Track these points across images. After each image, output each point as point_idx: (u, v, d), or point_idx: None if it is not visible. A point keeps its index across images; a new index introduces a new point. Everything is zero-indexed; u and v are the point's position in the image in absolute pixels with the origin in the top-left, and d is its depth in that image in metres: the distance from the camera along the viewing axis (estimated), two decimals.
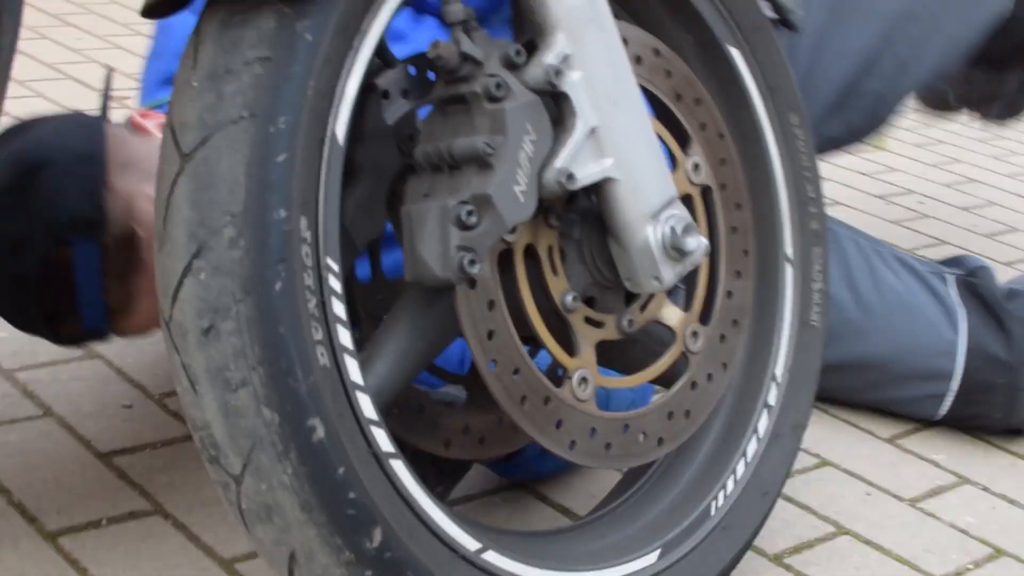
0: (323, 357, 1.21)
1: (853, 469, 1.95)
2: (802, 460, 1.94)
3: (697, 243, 1.39)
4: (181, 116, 1.21)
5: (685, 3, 1.55)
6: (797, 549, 1.73)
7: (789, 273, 1.63)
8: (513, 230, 1.33)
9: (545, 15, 1.31)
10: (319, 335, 1.21)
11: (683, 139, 1.51)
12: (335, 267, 1.24)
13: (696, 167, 1.50)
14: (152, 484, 1.66)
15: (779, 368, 1.62)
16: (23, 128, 1.62)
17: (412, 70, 1.39)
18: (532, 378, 1.35)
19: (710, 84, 1.59)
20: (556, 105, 1.33)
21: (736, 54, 1.58)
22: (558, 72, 1.30)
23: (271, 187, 1.19)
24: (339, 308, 1.24)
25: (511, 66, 1.30)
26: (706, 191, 1.52)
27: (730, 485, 1.56)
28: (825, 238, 1.66)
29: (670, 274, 1.38)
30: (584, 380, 1.39)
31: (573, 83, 1.32)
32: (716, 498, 1.55)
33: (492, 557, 1.34)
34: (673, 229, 1.38)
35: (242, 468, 1.20)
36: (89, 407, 1.79)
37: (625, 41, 1.43)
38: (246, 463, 1.19)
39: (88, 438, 1.74)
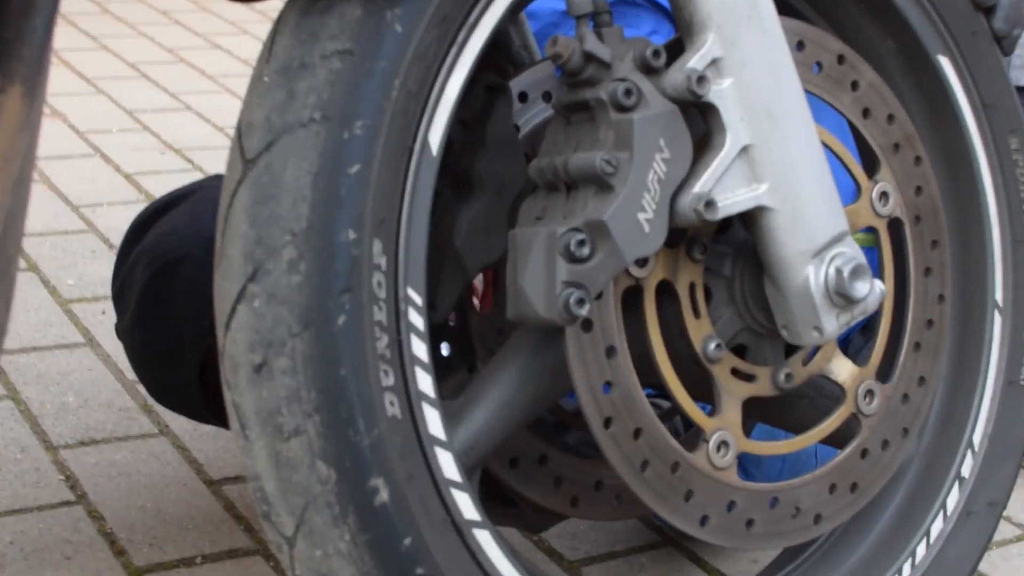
0: (393, 406, 1.03)
1: None
2: (1002, 531, 1.67)
3: (869, 289, 1.15)
4: (248, 116, 1.04)
5: (887, 2, 1.30)
6: None
7: (998, 323, 1.37)
8: (642, 264, 1.12)
9: (694, 9, 1.09)
10: (389, 380, 1.03)
11: (870, 162, 1.26)
12: (417, 299, 1.05)
13: (884, 196, 1.26)
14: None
15: (978, 434, 1.36)
16: (154, 216, 1.49)
17: (558, 71, 1.18)
18: (657, 441, 1.13)
19: (912, 98, 1.34)
20: (703, 118, 1.11)
21: (946, 63, 1.33)
22: (703, 79, 1.08)
23: (340, 203, 1.01)
24: (419, 348, 1.06)
25: (647, 69, 1.09)
26: (895, 224, 1.28)
27: (906, 570, 1.32)
28: None
29: (834, 324, 1.15)
30: (724, 444, 1.17)
31: (722, 92, 1.10)
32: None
33: None
34: (839, 271, 1.14)
35: (295, 529, 1.02)
36: (208, 428, 1.64)
37: (801, 44, 1.20)
38: (299, 524, 1.02)
39: (200, 462, 1.60)
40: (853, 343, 1.65)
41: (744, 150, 1.11)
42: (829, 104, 1.24)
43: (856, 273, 1.15)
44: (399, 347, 1.04)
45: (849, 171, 1.25)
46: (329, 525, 1.02)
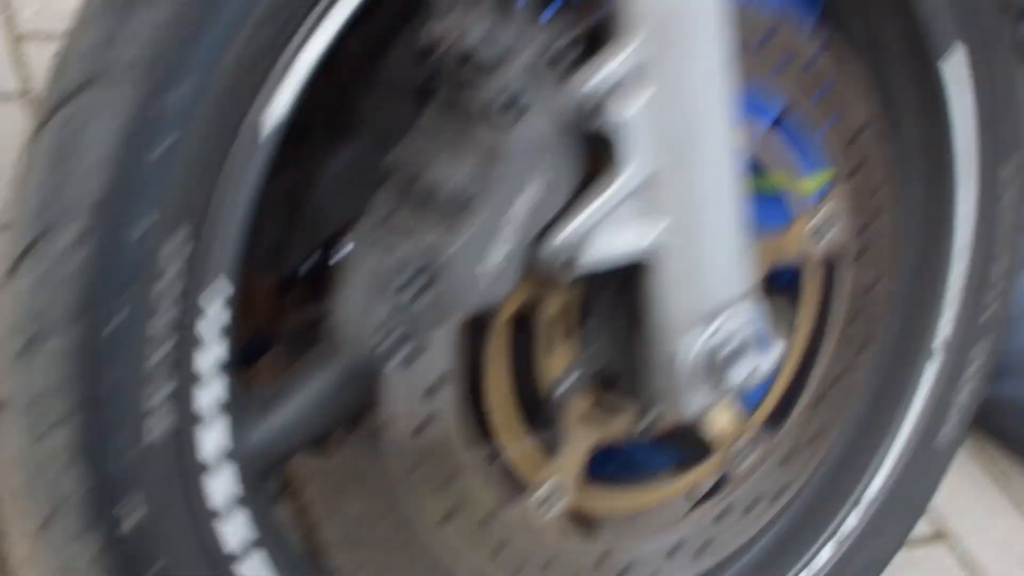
0: (151, 433, 0.86)
1: (977, 553, 1.53)
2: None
3: (748, 373, 0.95)
4: (68, 47, 0.83)
5: None
6: None
7: (929, 371, 1.18)
8: None
9: (615, 8, 0.86)
10: (154, 401, 0.86)
11: None
12: (213, 305, 0.86)
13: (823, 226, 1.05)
14: None
15: (869, 492, 1.19)
16: None
17: None
18: (471, 488, 0.96)
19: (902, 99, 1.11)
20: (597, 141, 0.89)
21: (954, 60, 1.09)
22: (601, 107, 0.86)
23: (144, 177, 0.81)
24: (205, 360, 0.87)
25: (545, 73, 0.86)
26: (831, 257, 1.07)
27: None
28: (1000, 330, 1.19)
29: (695, 403, 0.96)
30: (553, 495, 1.00)
31: (633, 112, 0.87)
32: None
33: None
34: (720, 346, 0.94)
35: (39, 526, 0.87)
36: None
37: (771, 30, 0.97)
38: (44, 523, 0.86)
39: None
40: None
41: (645, 184, 0.89)
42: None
43: (741, 352, 0.95)
44: (177, 362, 0.85)
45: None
46: (74, 537, 0.86)
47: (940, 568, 1.52)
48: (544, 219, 0.87)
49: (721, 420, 1.06)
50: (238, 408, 0.89)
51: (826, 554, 1.19)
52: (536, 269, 0.88)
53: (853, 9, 1.07)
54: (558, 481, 1.00)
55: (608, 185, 0.89)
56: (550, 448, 1.01)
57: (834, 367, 1.10)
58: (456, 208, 0.85)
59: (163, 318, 0.84)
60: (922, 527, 1.54)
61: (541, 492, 1.00)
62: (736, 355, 0.95)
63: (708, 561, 1.10)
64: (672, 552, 1.08)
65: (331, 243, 0.96)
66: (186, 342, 0.85)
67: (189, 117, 0.81)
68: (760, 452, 1.08)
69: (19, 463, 0.86)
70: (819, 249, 1.06)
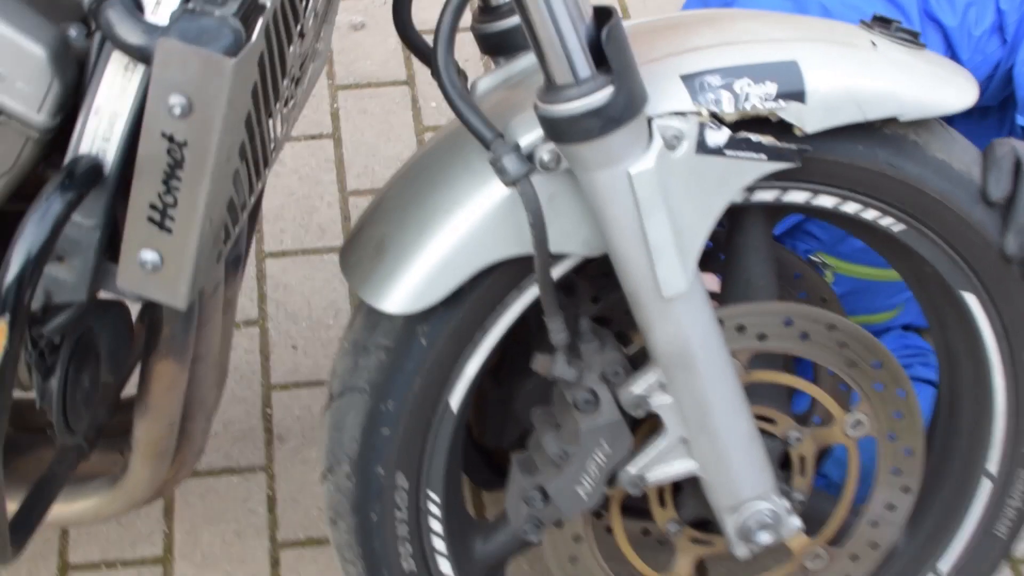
0: (409, 563, 1.55)
1: None
2: None
3: (771, 538, 1.51)
4: (335, 365, 1.51)
5: (915, 257, 1.52)
6: None
7: (986, 488, 1.65)
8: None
9: (649, 346, 1.42)
10: (408, 549, 1.55)
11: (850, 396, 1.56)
12: (435, 498, 1.53)
13: (858, 424, 1.56)
14: None
15: (945, 564, 1.69)
16: None
17: None
18: None
19: (939, 322, 1.58)
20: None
21: (972, 299, 1.54)
22: (639, 405, 1.43)
23: (375, 450, 1.49)
24: (435, 524, 1.55)
25: (610, 381, 1.44)
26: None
27: None
28: None
29: (745, 552, 1.53)
30: None
31: (663, 406, 1.44)
32: None
33: None
34: (747, 524, 1.50)
35: None
36: None
37: (789, 321, 1.48)
38: None
39: None
40: None
41: (681, 440, 1.46)
42: (820, 361, 1.52)
43: (763, 527, 1.51)
44: (418, 532, 1.54)
45: (826, 405, 1.55)
46: None
47: None
48: (615, 463, 1.46)
49: (795, 540, 1.61)
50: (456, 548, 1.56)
51: None
52: (618, 487, 1.48)
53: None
54: None
55: (660, 438, 1.46)
56: (666, 562, 1.61)
57: (885, 502, 1.61)
58: (562, 458, 1.46)
59: (402, 514, 1.51)
60: None
61: None
62: (761, 528, 1.50)
63: None
64: None
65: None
66: (416, 521, 1.53)
67: (397, 416, 1.46)
68: (828, 556, 1.62)
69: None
70: (855, 436, 1.56)
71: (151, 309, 1.48)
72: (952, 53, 1.87)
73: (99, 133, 1.26)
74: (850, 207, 1.47)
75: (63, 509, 1.65)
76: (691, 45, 1.40)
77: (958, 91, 1.45)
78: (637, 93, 1.29)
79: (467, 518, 1.64)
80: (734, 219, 1.52)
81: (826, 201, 1.47)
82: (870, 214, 1.48)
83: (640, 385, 1.43)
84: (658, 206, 1.33)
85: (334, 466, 1.52)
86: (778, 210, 1.51)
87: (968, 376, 1.61)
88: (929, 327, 1.64)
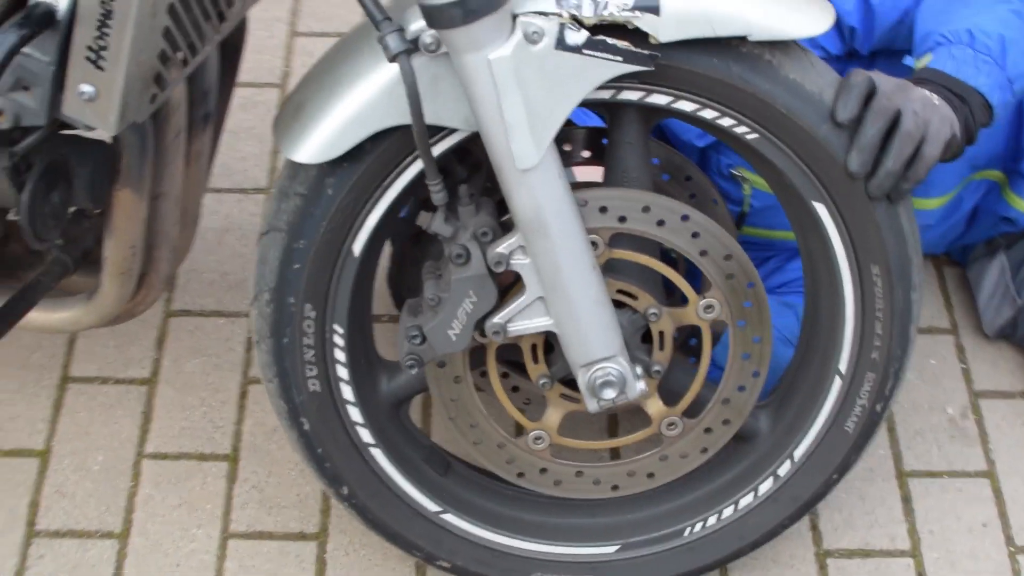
0: (315, 385, 1.82)
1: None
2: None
3: (612, 396, 1.74)
4: (264, 208, 1.78)
5: (771, 166, 1.73)
6: None
7: (836, 385, 1.86)
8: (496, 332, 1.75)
9: (511, 215, 1.66)
10: (313, 372, 1.81)
11: (706, 284, 1.78)
12: (339, 330, 1.80)
13: (709, 308, 1.78)
14: None
15: (799, 451, 1.90)
16: None
17: None
18: (487, 432, 1.84)
19: (799, 230, 1.79)
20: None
21: (822, 208, 1.74)
22: (509, 256, 1.67)
23: (289, 282, 1.76)
24: (339, 354, 1.81)
25: (481, 237, 1.68)
26: (719, 325, 1.80)
27: (712, 520, 1.94)
28: (883, 366, 1.83)
29: (595, 406, 1.76)
30: (540, 439, 1.85)
31: (522, 266, 1.68)
32: (694, 526, 1.95)
33: (450, 517, 1.93)
34: (595, 380, 1.74)
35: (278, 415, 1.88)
36: None
37: (647, 208, 1.71)
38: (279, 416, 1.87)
39: None
40: None
41: (540, 298, 1.70)
42: (673, 246, 1.74)
43: (607, 385, 1.74)
44: (324, 355, 1.80)
45: (679, 287, 1.77)
46: (287, 427, 1.86)
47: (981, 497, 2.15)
48: (482, 312, 1.70)
49: (653, 406, 1.84)
50: (359, 377, 1.83)
51: (766, 486, 1.93)
52: (484, 335, 1.72)
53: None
54: (543, 431, 1.84)
55: (520, 295, 1.71)
56: (539, 414, 1.85)
57: (736, 384, 1.83)
58: (437, 303, 1.71)
59: (308, 340, 1.78)
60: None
61: (531, 436, 1.85)
62: (605, 385, 1.73)
63: (658, 482, 1.89)
64: (629, 474, 1.88)
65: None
66: (322, 348, 1.79)
67: (308, 252, 1.73)
68: (683, 426, 1.85)
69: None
70: (708, 319, 1.78)
71: (115, 144, 1.76)
72: None
73: None
74: (708, 113, 1.69)
75: (46, 316, 1.96)
76: None
77: (809, 19, 1.65)
78: None
79: (375, 357, 1.90)
80: (613, 117, 1.75)
81: (686, 106, 1.68)
82: (726, 121, 1.69)
83: (504, 245, 1.67)
84: (513, 89, 1.56)
85: (258, 295, 1.79)
86: (651, 112, 1.73)
87: (824, 281, 1.82)
88: (794, 234, 1.84)
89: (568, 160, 1.91)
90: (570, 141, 1.90)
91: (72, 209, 1.96)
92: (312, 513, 2.11)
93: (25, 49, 1.55)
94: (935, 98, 1.75)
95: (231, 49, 2.02)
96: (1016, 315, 2.29)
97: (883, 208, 1.73)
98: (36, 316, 1.95)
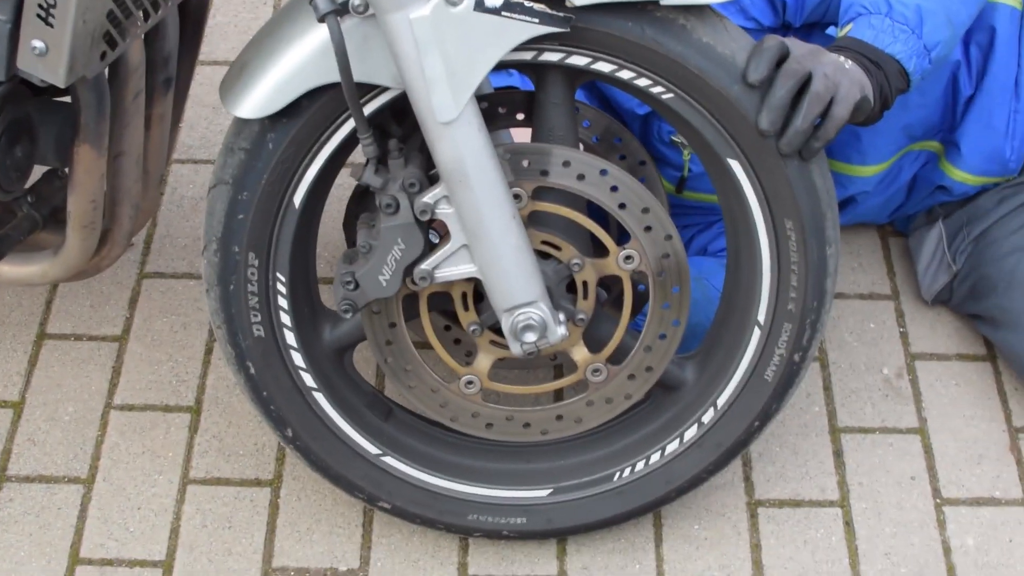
0: (259, 331, 1.93)
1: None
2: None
3: (533, 339, 1.84)
4: (215, 163, 1.89)
5: (688, 125, 1.83)
6: None
7: (755, 335, 1.96)
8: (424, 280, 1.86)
9: (436, 167, 1.77)
10: (257, 318, 1.92)
11: (625, 236, 1.88)
12: (282, 279, 1.91)
13: (628, 258, 1.88)
14: None
15: (722, 399, 2.00)
16: None
17: None
18: (422, 376, 1.95)
19: (719, 187, 1.89)
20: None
21: (736, 165, 1.85)
22: (434, 205, 1.78)
23: (233, 231, 1.87)
24: (282, 301, 1.93)
25: (409, 188, 1.79)
26: (639, 276, 1.90)
27: (640, 466, 2.05)
28: (799, 318, 1.93)
29: (518, 349, 1.87)
30: (472, 383, 1.96)
31: (447, 215, 1.79)
32: (623, 471, 2.05)
33: (390, 460, 2.04)
34: (518, 324, 1.84)
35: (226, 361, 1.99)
36: None
37: (567, 163, 1.82)
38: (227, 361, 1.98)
39: None
40: None
41: (464, 246, 1.81)
42: (592, 199, 1.85)
43: (527, 329, 1.84)
44: (267, 302, 1.91)
45: (600, 239, 1.88)
46: (234, 370, 1.97)
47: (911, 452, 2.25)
48: (409, 259, 1.81)
49: (578, 353, 1.94)
50: (302, 324, 1.94)
51: (691, 432, 2.03)
52: (411, 282, 1.83)
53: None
54: (474, 376, 1.95)
55: (446, 243, 1.81)
56: (470, 359, 1.96)
57: (656, 332, 1.93)
58: (368, 250, 1.83)
59: (252, 288, 1.89)
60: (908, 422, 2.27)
61: (463, 380, 1.95)
62: (525, 329, 1.84)
63: (585, 427, 1.99)
64: (558, 418, 1.99)
65: None
66: (265, 295, 1.90)
67: (251, 203, 1.84)
68: (608, 374, 1.95)
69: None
70: (628, 269, 1.89)
71: (74, 102, 1.88)
72: None
73: None
74: (625, 74, 1.79)
75: (15, 269, 2.08)
76: None
77: None
78: None
79: (319, 306, 2.02)
80: (539, 79, 1.86)
81: (604, 67, 1.79)
82: (642, 82, 1.80)
83: (429, 195, 1.78)
84: (432, 47, 1.67)
85: (207, 244, 1.91)
86: (574, 73, 1.83)
87: (742, 236, 1.92)
88: (715, 192, 1.94)
89: (504, 121, 2.01)
90: (505, 104, 2.00)
91: (45, 170, 2.09)
92: (268, 461, 2.22)
93: None
94: (847, 63, 1.85)
95: (194, 17, 2.14)
96: (951, 281, 2.39)
97: (795, 165, 1.83)
98: (6, 269, 2.07)
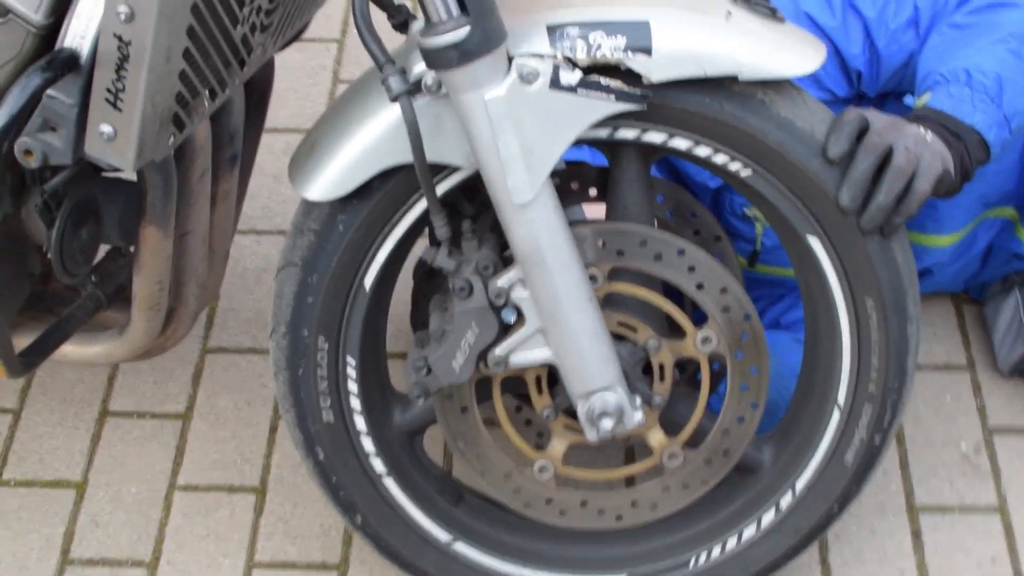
0: (328, 415, 1.89)
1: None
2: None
3: (610, 426, 1.79)
4: (285, 244, 1.86)
5: (766, 201, 1.79)
6: None
7: (835, 417, 1.90)
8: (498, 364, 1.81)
9: (512, 247, 1.73)
10: (327, 403, 1.89)
11: (702, 317, 1.84)
12: (352, 362, 1.87)
13: (706, 340, 1.83)
14: None
15: (800, 483, 1.95)
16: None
17: None
18: (492, 462, 1.91)
19: (797, 264, 1.85)
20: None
21: (816, 242, 1.80)
22: (509, 289, 1.74)
23: (303, 315, 1.84)
24: (352, 386, 1.89)
25: (483, 271, 1.76)
26: (717, 357, 1.85)
27: (716, 552, 1.99)
28: (880, 399, 1.88)
29: (594, 435, 1.82)
30: (545, 469, 1.91)
31: (522, 299, 1.75)
32: (699, 557, 2.00)
33: (461, 546, 1.99)
34: (594, 410, 1.80)
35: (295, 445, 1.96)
36: None
37: (644, 242, 1.78)
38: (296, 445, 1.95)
39: None
40: None
41: (539, 330, 1.77)
42: (670, 280, 1.80)
43: (604, 415, 1.79)
44: (337, 385, 1.88)
45: (677, 319, 1.83)
46: (304, 455, 1.94)
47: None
48: (483, 344, 1.77)
49: (654, 437, 1.89)
50: (372, 408, 1.90)
51: (768, 517, 1.97)
52: (486, 367, 1.79)
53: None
54: (548, 461, 1.91)
55: (521, 328, 1.77)
56: (543, 444, 1.91)
57: (735, 415, 1.88)
58: (441, 335, 1.79)
59: (322, 372, 1.86)
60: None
61: (536, 467, 1.91)
62: (602, 415, 1.79)
63: (660, 513, 1.94)
64: (632, 504, 1.94)
65: None
66: (335, 379, 1.87)
67: (321, 286, 1.81)
68: (684, 457, 1.90)
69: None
70: (705, 351, 1.84)
71: (140, 184, 1.85)
72: (870, 41, 2.11)
73: (78, 32, 1.65)
74: (702, 151, 1.75)
75: (80, 349, 2.05)
76: (567, 2, 1.70)
77: (799, 58, 1.71)
78: (492, 33, 1.60)
79: (389, 389, 1.98)
80: (613, 155, 1.82)
81: (681, 144, 1.75)
82: (720, 158, 1.76)
83: (504, 279, 1.75)
84: (508, 127, 1.64)
85: (275, 327, 1.87)
86: (649, 150, 1.79)
87: (821, 315, 1.87)
88: (791, 266, 1.90)
89: (576, 198, 1.97)
90: (577, 179, 1.96)
91: (108, 248, 2.06)
92: (335, 544, 2.18)
93: (51, 91, 1.65)
94: (928, 134, 1.81)
95: (258, 92, 2.12)
96: None
97: (876, 242, 1.78)
98: (71, 349, 2.04)
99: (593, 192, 1.98)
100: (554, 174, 1.88)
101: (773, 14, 1.74)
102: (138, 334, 2.01)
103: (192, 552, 2.17)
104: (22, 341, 2.00)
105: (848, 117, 1.75)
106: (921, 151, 1.77)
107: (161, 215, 1.87)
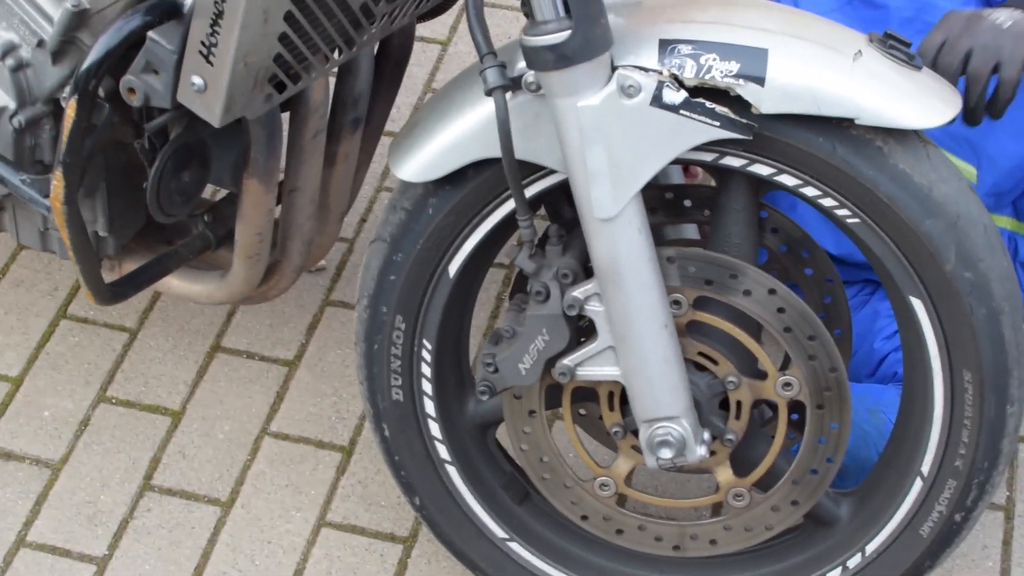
0: (398, 394, 1.88)
1: None
2: None
3: (669, 456, 1.73)
4: (381, 216, 1.85)
5: (871, 252, 1.70)
6: None
7: (916, 486, 1.80)
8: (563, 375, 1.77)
9: (592, 261, 1.68)
10: (398, 382, 1.87)
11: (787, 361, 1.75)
12: (428, 345, 1.85)
13: (787, 385, 1.75)
14: None
15: (871, 546, 1.85)
16: None
17: None
18: (557, 468, 1.86)
19: (899, 320, 1.75)
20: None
21: (919, 304, 1.70)
22: (584, 301, 1.69)
23: (384, 291, 1.82)
24: (425, 369, 1.87)
25: (562, 278, 1.71)
26: (797, 405, 1.77)
27: None
28: (966, 476, 1.77)
29: (653, 462, 1.76)
30: (606, 486, 1.86)
31: (595, 312, 1.70)
32: None
33: (516, 546, 1.96)
34: (655, 437, 1.73)
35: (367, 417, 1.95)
36: None
37: (735, 276, 1.70)
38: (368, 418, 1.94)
39: None
40: None
41: (611, 347, 1.71)
42: (756, 317, 1.72)
43: (663, 445, 1.73)
44: (410, 365, 1.86)
45: (761, 360, 1.75)
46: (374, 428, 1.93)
47: None
48: (553, 351, 1.73)
49: (723, 474, 1.82)
50: (444, 394, 1.87)
51: (834, 575, 1.88)
52: (553, 375, 1.74)
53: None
54: (610, 479, 1.85)
55: (593, 341, 1.72)
56: (607, 462, 1.86)
57: (808, 466, 1.79)
58: (512, 335, 1.74)
59: (396, 351, 1.84)
60: None
61: (597, 483, 1.85)
62: (662, 445, 1.73)
63: (719, 550, 1.87)
64: (692, 537, 1.87)
65: None
66: (408, 360, 1.85)
67: (404, 265, 1.78)
68: (750, 500, 1.82)
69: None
70: (785, 396, 1.75)
71: (245, 135, 1.85)
72: None
73: None
74: (810, 191, 1.66)
75: (183, 285, 2.07)
76: (689, 17, 1.63)
77: (927, 110, 1.60)
78: (594, 40, 1.54)
79: (468, 378, 1.94)
80: (721, 181, 1.74)
81: (788, 180, 1.66)
82: (828, 202, 1.66)
83: (581, 290, 1.69)
84: (597, 139, 1.58)
85: (360, 299, 1.86)
86: (757, 182, 1.71)
87: (918, 378, 1.76)
88: (897, 324, 1.79)
89: (688, 216, 1.90)
90: (691, 198, 1.89)
91: (227, 192, 2.07)
92: (407, 517, 2.16)
93: (153, 35, 1.65)
94: (1008, 21, 1.79)
95: (394, 59, 2.09)
96: None
97: (983, 313, 1.67)
98: (174, 283, 2.07)
99: (707, 213, 1.91)
100: (667, 189, 1.83)
101: (910, 60, 1.63)
102: (237, 280, 2.02)
103: (268, 500, 2.18)
104: (130, 266, 2.04)
105: (923, 48, 1.80)
106: (1001, 42, 1.78)
107: (264, 169, 1.86)
